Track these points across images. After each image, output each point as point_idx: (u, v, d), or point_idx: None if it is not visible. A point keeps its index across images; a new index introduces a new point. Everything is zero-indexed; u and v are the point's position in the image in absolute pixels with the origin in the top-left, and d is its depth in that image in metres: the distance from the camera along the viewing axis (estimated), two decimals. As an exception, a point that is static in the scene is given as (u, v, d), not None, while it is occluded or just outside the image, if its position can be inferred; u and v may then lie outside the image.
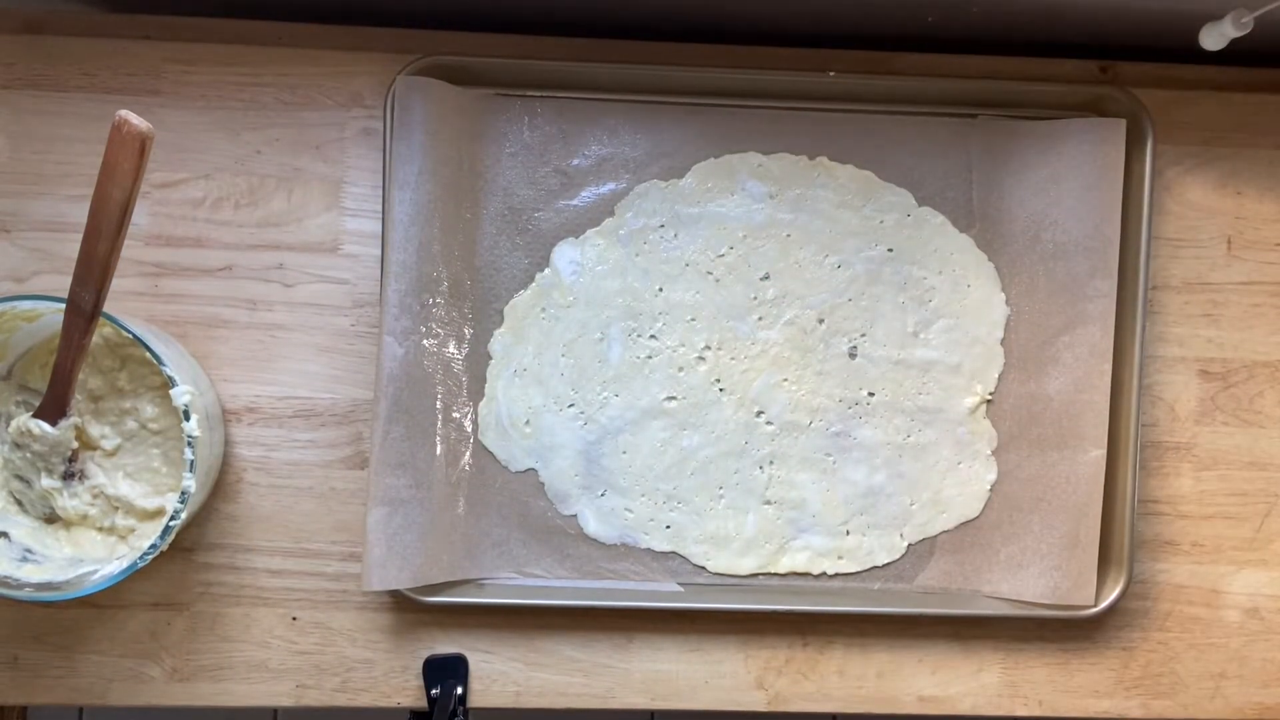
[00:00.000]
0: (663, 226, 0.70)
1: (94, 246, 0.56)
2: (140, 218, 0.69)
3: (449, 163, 0.68)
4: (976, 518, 0.71)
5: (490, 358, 0.70)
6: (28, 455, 0.64)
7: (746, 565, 0.71)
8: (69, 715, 1.37)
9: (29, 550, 0.64)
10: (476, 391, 0.70)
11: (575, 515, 0.70)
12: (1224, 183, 0.73)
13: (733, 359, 0.70)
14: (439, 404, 0.68)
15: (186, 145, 0.69)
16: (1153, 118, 0.69)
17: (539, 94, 0.70)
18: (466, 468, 0.70)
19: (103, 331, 0.64)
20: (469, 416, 0.70)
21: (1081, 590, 0.69)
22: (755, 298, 0.70)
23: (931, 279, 0.71)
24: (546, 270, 0.70)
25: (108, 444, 0.66)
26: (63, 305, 0.58)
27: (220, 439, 0.68)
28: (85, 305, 0.58)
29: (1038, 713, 0.72)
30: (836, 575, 0.71)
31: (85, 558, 0.65)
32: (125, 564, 0.61)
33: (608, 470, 0.70)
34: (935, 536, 0.71)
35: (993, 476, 0.71)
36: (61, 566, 0.63)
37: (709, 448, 0.70)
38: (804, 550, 0.71)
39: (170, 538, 0.60)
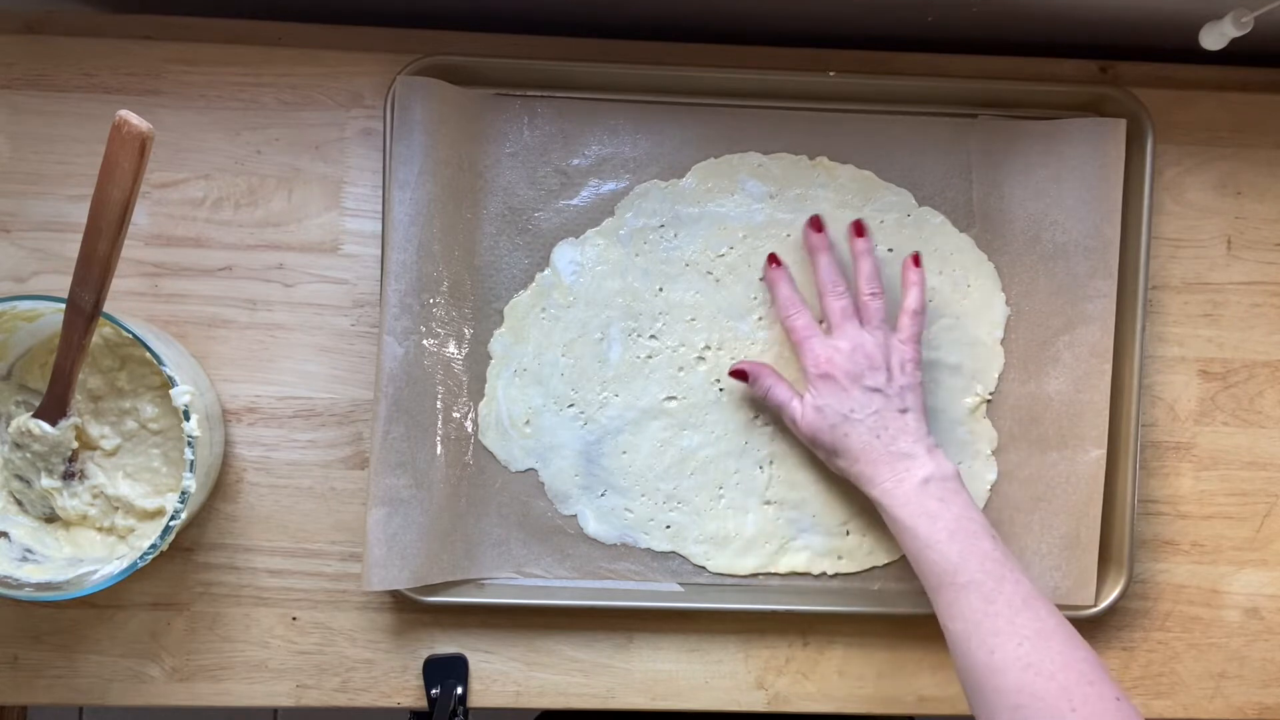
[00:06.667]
0: (663, 226, 0.70)
1: (94, 246, 0.56)
2: (140, 218, 0.69)
3: (449, 163, 0.68)
4: (976, 518, 0.71)
5: (490, 358, 0.70)
6: (28, 455, 0.64)
7: (746, 565, 0.71)
8: (69, 715, 1.38)
9: (29, 550, 0.64)
10: (476, 391, 0.70)
11: (575, 515, 0.70)
12: (1224, 183, 0.73)
13: (733, 359, 0.70)
14: (439, 404, 0.68)
15: (186, 145, 0.69)
16: (1153, 118, 0.69)
17: (539, 94, 0.70)
18: (466, 468, 0.70)
19: (103, 331, 0.64)
20: (469, 416, 0.70)
21: (1081, 590, 0.69)
22: (755, 298, 0.70)
23: (931, 279, 0.71)
24: (546, 270, 0.70)
25: (108, 444, 0.66)
26: (63, 305, 0.58)
27: (220, 439, 0.68)
28: (85, 305, 0.58)
29: (1038, 713, 0.72)
30: (836, 575, 0.71)
31: (85, 558, 0.65)
32: (125, 564, 0.61)
33: (608, 470, 0.70)
34: (935, 536, 0.71)
35: (993, 476, 0.71)
36: (61, 566, 0.63)
37: (709, 448, 0.70)
38: (804, 550, 0.71)
39: (170, 538, 0.60)
